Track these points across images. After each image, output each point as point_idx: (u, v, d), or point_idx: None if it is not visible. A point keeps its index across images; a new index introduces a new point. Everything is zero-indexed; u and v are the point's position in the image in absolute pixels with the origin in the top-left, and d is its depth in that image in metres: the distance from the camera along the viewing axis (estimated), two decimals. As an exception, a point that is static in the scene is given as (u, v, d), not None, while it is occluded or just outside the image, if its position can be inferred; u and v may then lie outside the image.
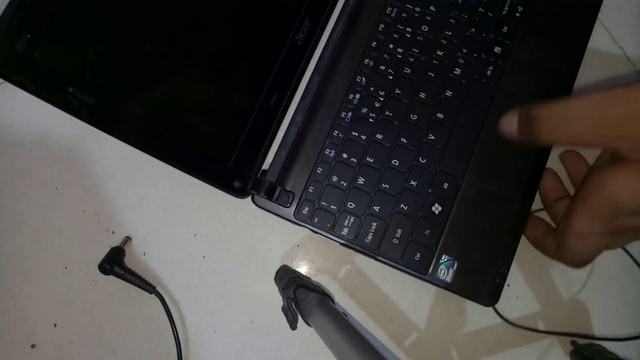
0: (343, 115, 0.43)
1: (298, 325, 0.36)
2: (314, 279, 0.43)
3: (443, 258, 0.41)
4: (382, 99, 0.43)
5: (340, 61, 0.44)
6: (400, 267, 0.41)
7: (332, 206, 0.42)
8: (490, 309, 0.42)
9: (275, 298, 0.43)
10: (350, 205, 0.42)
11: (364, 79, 0.43)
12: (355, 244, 0.41)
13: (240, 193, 0.41)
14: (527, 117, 0.30)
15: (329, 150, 0.43)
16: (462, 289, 0.40)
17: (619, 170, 0.27)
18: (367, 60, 0.44)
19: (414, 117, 0.43)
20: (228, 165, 0.40)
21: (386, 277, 0.44)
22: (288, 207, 0.42)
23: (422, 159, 0.42)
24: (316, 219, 0.42)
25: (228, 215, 0.45)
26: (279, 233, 0.45)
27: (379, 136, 0.43)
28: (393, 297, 0.43)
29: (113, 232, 0.45)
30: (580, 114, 0.27)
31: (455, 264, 0.41)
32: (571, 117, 0.27)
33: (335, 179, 0.43)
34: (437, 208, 0.42)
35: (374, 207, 0.42)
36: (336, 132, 0.43)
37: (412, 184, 0.42)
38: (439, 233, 0.41)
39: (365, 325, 0.42)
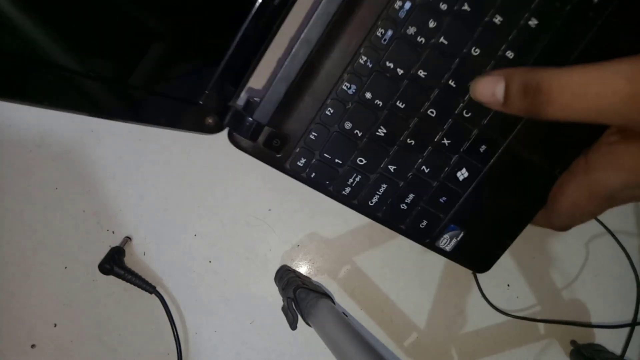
0: (380, 34, 0.31)
1: (298, 325, 0.36)
2: (314, 279, 0.43)
3: (450, 227, 0.37)
4: (442, 15, 0.31)
5: None
6: (397, 231, 0.37)
7: (336, 159, 0.34)
8: (490, 309, 0.42)
9: (275, 298, 0.43)
10: (361, 161, 0.34)
11: None
12: (353, 205, 0.36)
13: (212, 131, 0.34)
14: (529, 86, 0.25)
15: (348, 85, 0.32)
16: (458, 257, 0.38)
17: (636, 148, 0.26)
18: None
19: (476, 50, 0.31)
20: (198, 101, 0.32)
21: (386, 277, 0.44)
22: (279, 155, 0.34)
23: (467, 112, 0.33)
24: (313, 173, 0.35)
25: (228, 215, 0.45)
26: (279, 233, 0.45)
27: (422, 72, 0.32)
28: (393, 297, 0.43)
29: (113, 232, 0.45)
30: (609, 88, 0.22)
31: (461, 235, 0.37)
32: (594, 93, 0.23)
33: (348, 125, 0.33)
34: (463, 174, 0.35)
35: (390, 167, 0.35)
36: (364, 58, 0.32)
37: (445, 142, 0.34)
38: (455, 202, 0.36)
39: (365, 325, 0.42)
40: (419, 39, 0.31)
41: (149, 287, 0.43)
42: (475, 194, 0.36)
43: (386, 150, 0.34)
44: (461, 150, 0.35)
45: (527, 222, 0.37)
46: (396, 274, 0.43)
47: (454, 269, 0.43)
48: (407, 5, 0.30)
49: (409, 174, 0.35)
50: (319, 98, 0.33)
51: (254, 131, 0.33)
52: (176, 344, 0.41)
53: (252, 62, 0.32)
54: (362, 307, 0.43)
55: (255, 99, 0.33)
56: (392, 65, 0.32)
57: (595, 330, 0.42)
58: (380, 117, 0.33)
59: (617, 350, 0.41)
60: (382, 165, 0.35)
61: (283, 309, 0.37)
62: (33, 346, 0.43)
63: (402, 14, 0.31)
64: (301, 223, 0.43)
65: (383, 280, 0.44)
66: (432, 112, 0.33)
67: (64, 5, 0.24)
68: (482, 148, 0.34)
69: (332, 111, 0.33)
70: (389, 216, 0.36)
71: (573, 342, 0.41)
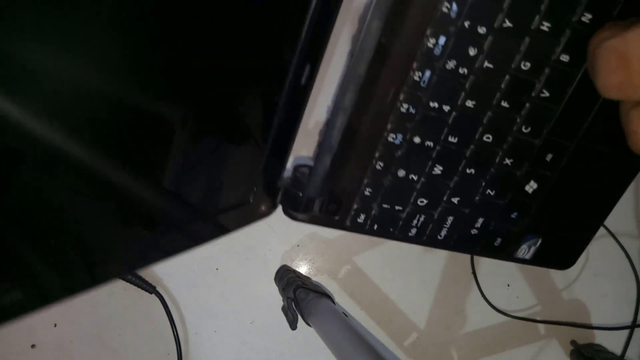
0: (417, 77, 0.29)
1: (298, 325, 0.36)
2: (314, 279, 0.43)
3: (526, 238, 0.36)
4: (481, 39, 0.28)
5: None
6: (471, 253, 0.37)
7: (396, 207, 0.33)
8: (490, 309, 0.42)
9: (275, 298, 0.43)
10: (422, 202, 0.33)
11: (454, 5, 0.27)
12: (422, 242, 0.35)
13: (267, 214, 0.33)
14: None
15: (394, 136, 0.31)
16: (539, 262, 0.37)
17: None
18: None
19: (526, 64, 0.29)
20: (249, 200, 0.31)
21: (386, 277, 0.44)
22: (336, 217, 0.33)
23: (526, 127, 0.32)
24: (375, 225, 0.34)
25: (228, 214, 0.45)
26: (278, 233, 0.45)
27: (470, 102, 0.30)
28: (393, 297, 0.43)
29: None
30: None
31: (539, 242, 0.36)
32: None
33: (401, 172, 0.32)
34: (531, 186, 0.34)
35: (453, 199, 0.34)
36: (405, 106, 0.30)
37: (507, 162, 0.33)
38: (528, 214, 0.35)
39: (365, 325, 0.43)
40: (461, 70, 0.29)
41: (149, 287, 0.43)
42: (547, 200, 0.35)
43: (446, 185, 0.33)
44: (526, 164, 0.33)
45: (608, 210, 0.36)
46: (396, 274, 0.42)
47: (454, 269, 0.43)
48: (442, 40, 0.28)
49: (475, 200, 0.34)
50: (367, 156, 0.32)
51: (308, 206, 0.32)
52: (176, 343, 0.41)
53: (291, 139, 0.31)
54: (362, 307, 0.43)
55: (303, 171, 0.32)
56: (436, 105, 0.30)
57: (595, 325, 0.42)
58: (433, 156, 0.32)
59: (617, 350, 0.41)
60: (444, 199, 0.33)
61: (283, 308, 0.37)
62: (33, 346, 0.43)
63: (437, 51, 0.28)
64: (301, 223, 0.43)
65: (383, 280, 0.44)
66: (488, 138, 0.32)
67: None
68: (549, 157, 0.33)
69: (382, 165, 0.32)
70: (461, 244, 0.35)
71: (573, 342, 0.42)
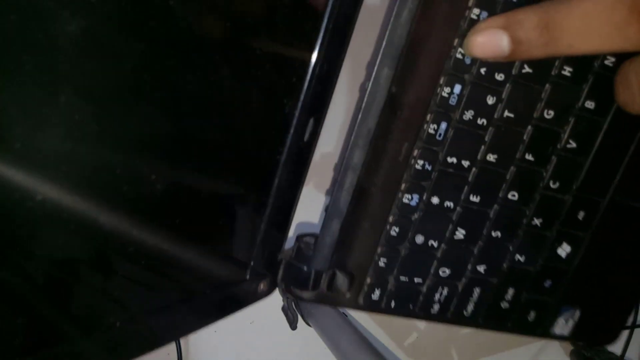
0: (432, 130, 0.26)
1: (298, 325, 0.34)
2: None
3: (562, 310, 0.32)
4: (500, 86, 0.26)
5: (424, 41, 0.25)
6: (503, 331, 0.33)
7: (415, 279, 0.29)
8: None
9: (275, 298, 0.40)
10: (444, 272, 0.29)
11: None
12: (446, 320, 0.31)
13: (266, 294, 0.29)
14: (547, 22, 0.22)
15: (409, 197, 0.28)
16: (579, 337, 0.33)
17: None
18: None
19: (550, 113, 0.27)
20: (246, 277, 0.27)
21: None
22: (347, 295, 0.29)
23: (554, 182, 0.29)
24: (392, 302, 0.29)
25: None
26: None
27: (492, 156, 0.27)
28: None
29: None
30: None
31: (577, 314, 0.32)
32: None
33: (419, 239, 0.28)
34: (564, 249, 0.31)
35: (478, 268, 0.30)
36: (420, 162, 0.27)
37: (536, 222, 0.30)
38: (563, 282, 0.31)
39: (364, 325, 0.40)
40: (480, 121, 0.26)
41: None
42: (583, 265, 0.31)
43: (470, 251, 0.29)
44: (556, 224, 0.30)
45: None
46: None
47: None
48: (457, 89, 0.26)
49: (503, 267, 0.30)
50: (379, 221, 0.28)
51: (314, 280, 0.28)
52: (176, 343, 0.38)
53: (293, 205, 0.27)
54: None
55: (307, 240, 0.28)
56: (454, 160, 0.27)
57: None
58: (454, 219, 0.28)
59: (617, 351, 0.39)
60: (469, 269, 0.30)
61: (283, 308, 0.35)
62: None
63: (453, 101, 0.26)
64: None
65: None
66: (513, 195, 0.28)
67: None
68: (581, 215, 0.30)
69: (397, 230, 0.28)
70: (491, 320, 0.31)
71: (573, 342, 0.39)
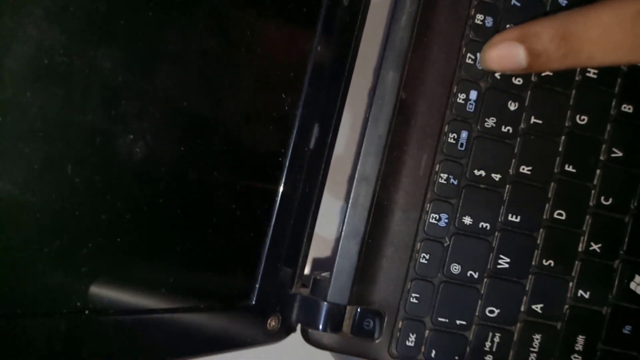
0: (453, 140, 0.24)
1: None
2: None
3: None
4: (521, 91, 0.24)
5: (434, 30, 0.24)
6: None
7: (457, 321, 0.25)
8: None
9: None
10: (492, 312, 0.25)
11: (479, 55, 0.24)
12: None
13: (281, 336, 0.24)
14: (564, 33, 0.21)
15: (436, 216, 0.24)
16: None
17: None
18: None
19: (583, 118, 0.25)
20: (250, 302, 0.23)
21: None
22: (377, 339, 0.25)
23: (606, 199, 0.25)
24: (433, 351, 0.24)
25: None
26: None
27: (525, 168, 0.24)
28: None
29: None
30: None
31: None
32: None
33: (456, 268, 0.24)
34: (639, 283, 0.26)
35: (534, 307, 0.25)
36: (444, 176, 0.24)
37: (594, 248, 0.25)
38: None
39: None
40: (504, 128, 0.24)
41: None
42: None
43: (520, 284, 0.25)
44: (621, 252, 0.25)
45: None
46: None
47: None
48: (473, 95, 0.24)
49: (565, 308, 0.25)
50: (405, 244, 0.24)
51: (334, 318, 0.24)
52: None
53: (304, 228, 0.24)
54: None
55: (323, 274, 0.25)
56: (483, 173, 0.24)
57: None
58: (493, 244, 0.25)
59: None
60: (523, 309, 0.25)
61: None
62: None
63: (470, 108, 0.24)
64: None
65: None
66: (560, 215, 0.25)
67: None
68: None
69: (427, 257, 0.24)
70: None
71: None
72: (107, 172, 0.16)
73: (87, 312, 0.16)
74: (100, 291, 0.17)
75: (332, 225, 0.27)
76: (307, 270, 0.27)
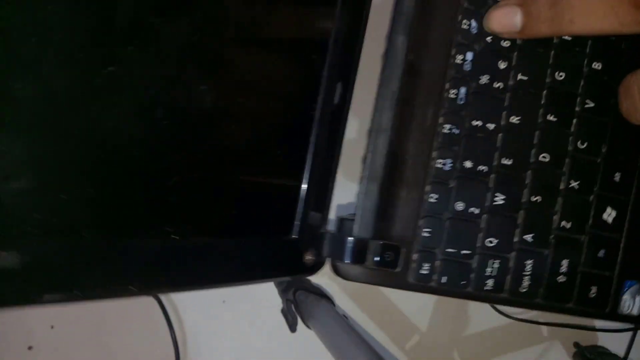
0: (453, 95, 0.28)
1: (298, 327, 0.34)
2: (314, 280, 0.39)
3: (625, 284, 0.31)
4: (508, 52, 0.28)
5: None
6: (566, 313, 0.31)
7: (462, 251, 0.28)
8: (493, 311, 0.37)
9: (274, 300, 0.39)
10: (490, 242, 0.29)
11: (472, 21, 0.28)
12: (503, 300, 0.30)
13: (313, 269, 0.28)
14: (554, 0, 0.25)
15: (442, 162, 0.28)
16: None
17: None
18: None
19: (561, 74, 0.29)
20: (291, 236, 0.27)
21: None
22: (396, 269, 0.28)
23: (582, 143, 0.29)
24: (444, 277, 0.28)
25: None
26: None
27: (515, 118, 0.28)
28: (394, 298, 0.39)
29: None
30: None
31: None
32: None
33: (460, 206, 0.28)
34: (609, 214, 0.30)
35: (525, 237, 0.29)
36: (447, 127, 0.28)
37: (573, 185, 0.29)
38: (616, 251, 0.30)
39: (366, 328, 0.39)
40: (496, 84, 0.28)
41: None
42: (634, 230, 0.30)
43: (513, 218, 0.29)
44: (595, 187, 0.30)
45: None
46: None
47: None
48: (469, 55, 0.28)
49: (551, 238, 0.29)
50: (417, 187, 0.28)
51: (359, 251, 0.27)
52: (174, 346, 0.38)
53: (331, 174, 0.28)
54: (362, 309, 0.39)
55: (348, 217, 0.29)
56: (480, 123, 0.28)
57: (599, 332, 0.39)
58: (490, 184, 0.29)
59: (621, 352, 0.38)
60: (515, 239, 0.29)
61: (282, 311, 0.35)
62: (30, 348, 0.40)
63: (467, 67, 0.28)
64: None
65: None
66: (544, 157, 0.29)
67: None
68: (617, 176, 0.30)
69: (436, 197, 0.28)
70: (551, 298, 0.30)
71: (576, 344, 0.38)
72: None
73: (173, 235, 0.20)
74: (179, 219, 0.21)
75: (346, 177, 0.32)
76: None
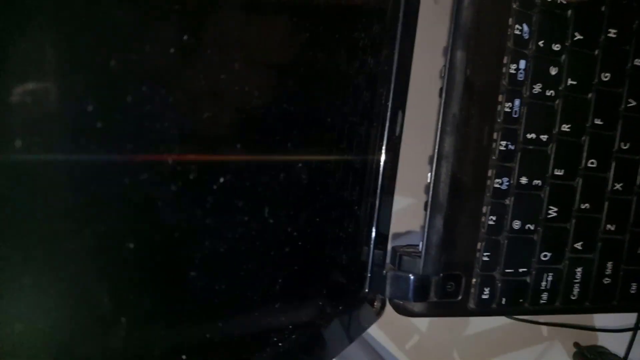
0: (508, 108, 0.26)
1: None
2: None
3: None
4: (558, 56, 0.27)
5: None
6: (608, 311, 0.32)
7: (520, 269, 0.28)
8: None
9: None
10: (545, 256, 0.28)
11: (524, 26, 0.26)
12: (556, 310, 0.30)
13: (379, 314, 0.27)
14: None
15: (499, 181, 0.27)
16: None
17: None
18: None
19: (606, 75, 0.28)
20: (365, 290, 0.26)
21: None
22: (458, 298, 0.27)
23: (625, 144, 0.29)
24: (503, 298, 0.28)
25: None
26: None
27: (565, 126, 0.27)
28: None
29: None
30: None
31: None
32: None
33: (517, 224, 0.27)
34: None
35: (576, 245, 0.29)
36: (503, 143, 0.27)
37: (618, 187, 0.29)
38: None
39: None
40: (548, 92, 0.27)
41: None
42: None
43: (565, 229, 0.29)
44: (636, 188, 0.30)
45: None
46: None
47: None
48: (522, 64, 0.26)
49: (598, 243, 0.29)
50: (475, 212, 0.27)
51: (423, 289, 0.26)
52: None
53: (390, 212, 0.27)
54: None
55: (406, 249, 0.27)
56: (533, 136, 0.27)
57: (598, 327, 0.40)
58: (544, 197, 0.28)
59: (621, 352, 0.39)
60: (567, 248, 0.29)
61: None
62: None
63: (521, 76, 0.26)
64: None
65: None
66: (592, 163, 0.28)
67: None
68: None
69: (494, 218, 0.27)
70: (598, 301, 0.30)
71: (576, 345, 0.39)
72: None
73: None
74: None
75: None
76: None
